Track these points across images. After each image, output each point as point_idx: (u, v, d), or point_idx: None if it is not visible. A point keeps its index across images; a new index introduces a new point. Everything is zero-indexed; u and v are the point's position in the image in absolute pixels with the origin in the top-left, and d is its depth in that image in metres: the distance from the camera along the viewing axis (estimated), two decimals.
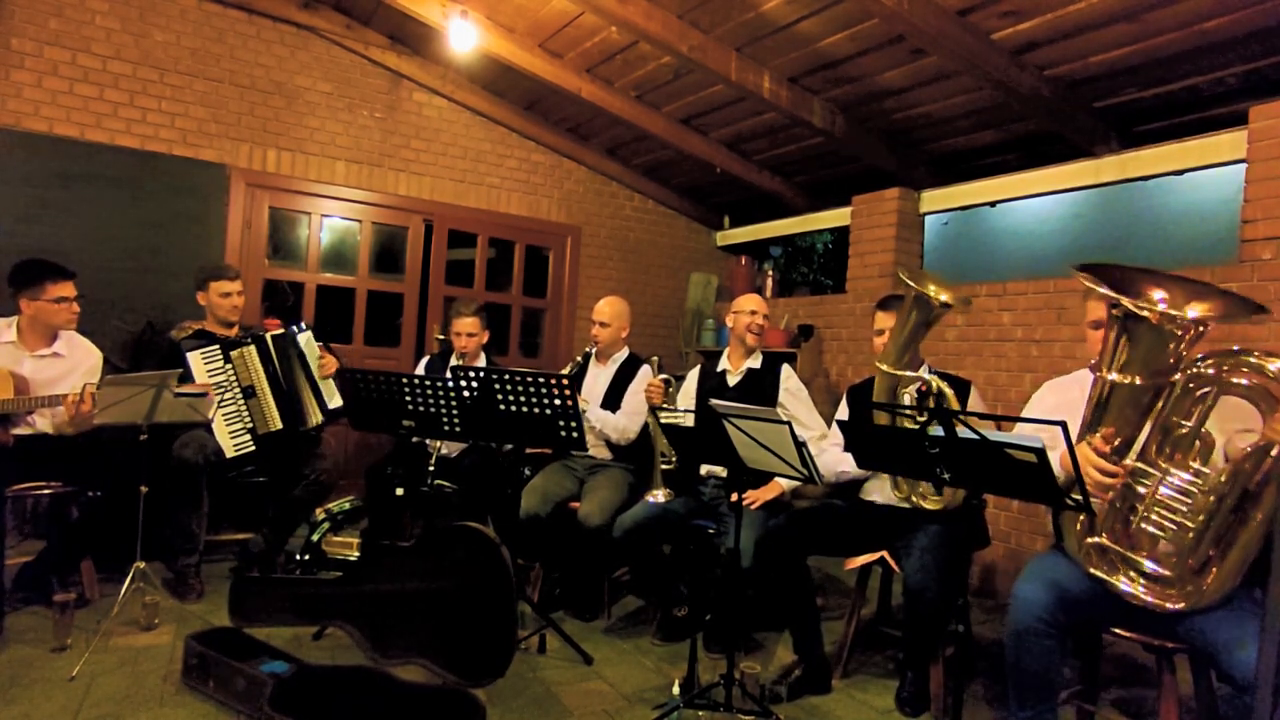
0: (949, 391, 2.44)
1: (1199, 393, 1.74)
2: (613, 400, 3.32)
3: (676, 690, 2.33)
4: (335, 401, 3.37)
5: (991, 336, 3.88)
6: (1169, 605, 1.78)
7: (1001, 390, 3.80)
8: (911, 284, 2.39)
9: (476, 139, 5.07)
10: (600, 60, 4.26)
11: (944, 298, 2.38)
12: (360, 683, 2.26)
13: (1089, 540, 1.89)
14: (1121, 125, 3.70)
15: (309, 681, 2.22)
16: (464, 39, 3.90)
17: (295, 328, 3.40)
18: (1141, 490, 1.79)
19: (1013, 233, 5.02)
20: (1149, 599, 1.80)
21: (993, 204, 4.33)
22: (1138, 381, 1.74)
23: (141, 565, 2.68)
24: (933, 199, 4.51)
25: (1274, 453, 1.66)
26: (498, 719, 2.27)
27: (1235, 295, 1.70)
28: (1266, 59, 3.00)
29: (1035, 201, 4.24)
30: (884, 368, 2.53)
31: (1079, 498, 1.62)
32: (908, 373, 2.51)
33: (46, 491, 2.86)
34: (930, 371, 2.69)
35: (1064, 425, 1.54)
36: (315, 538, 3.48)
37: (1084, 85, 3.46)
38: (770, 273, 5.62)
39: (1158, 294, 1.71)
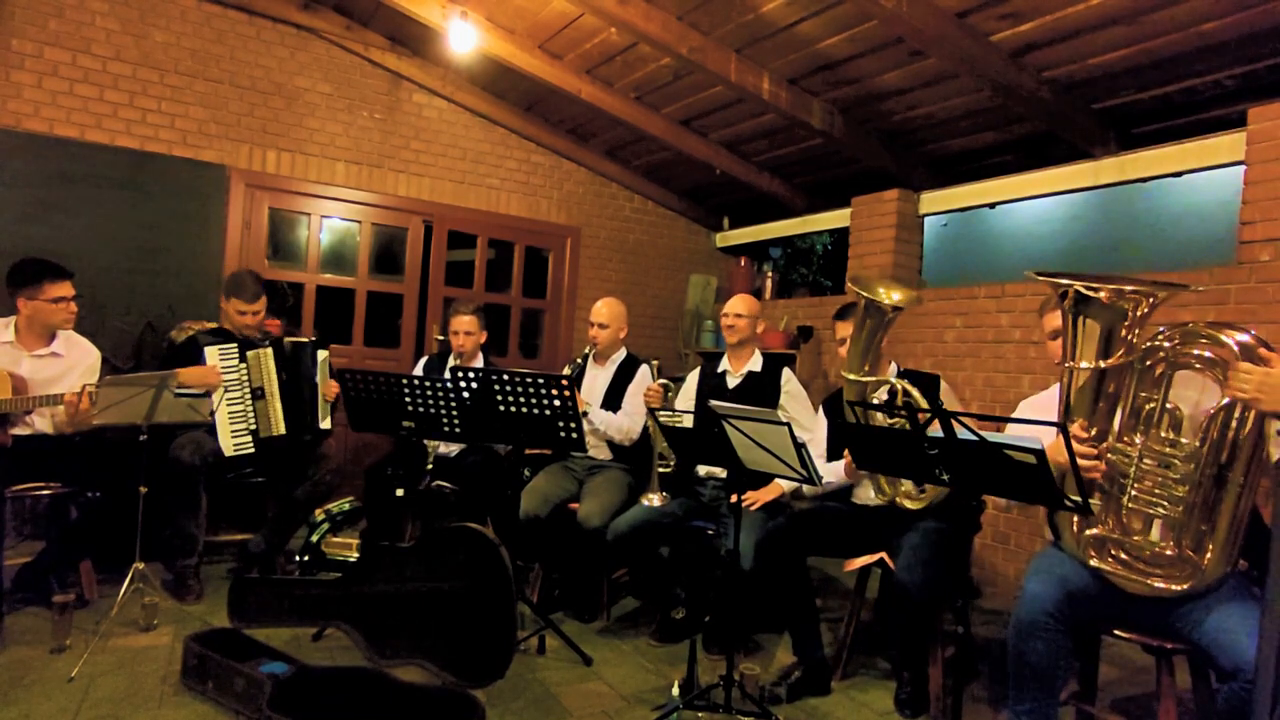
0: (915, 393, 2.46)
1: (1157, 371, 1.84)
2: (612, 401, 3.33)
3: (676, 691, 2.33)
4: (326, 423, 3.44)
5: (990, 338, 3.88)
6: (1174, 586, 1.81)
7: (1000, 391, 3.80)
8: (860, 291, 2.46)
9: (476, 140, 5.08)
10: (600, 61, 4.27)
11: (894, 297, 2.43)
12: (359, 684, 2.26)
13: (1086, 533, 1.92)
14: (1120, 127, 3.70)
15: (308, 682, 2.22)
16: (464, 40, 3.91)
17: (314, 341, 3.47)
18: (1126, 469, 1.85)
19: (1011, 234, 5.02)
20: (1155, 584, 1.83)
21: (992, 205, 4.33)
22: (1102, 365, 1.84)
23: (140, 566, 2.68)
24: (932, 200, 4.51)
25: (1238, 413, 1.74)
26: (497, 719, 2.28)
27: (1164, 281, 1.81)
28: (1265, 61, 3.01)
29: (1034, 203, 4.25)
30: (850, 376, 2.56)
31: (1078, 499, 1.63)
32: (871, 378, 2.54)
33: (46, 492, 2.86)
34: (898, 373, 2.71)
35: (1063, 426, 1.55)
36: (314, 538, 3.49)
37: (1083, 87, 3.47)
38: (770, 274, 5.63)
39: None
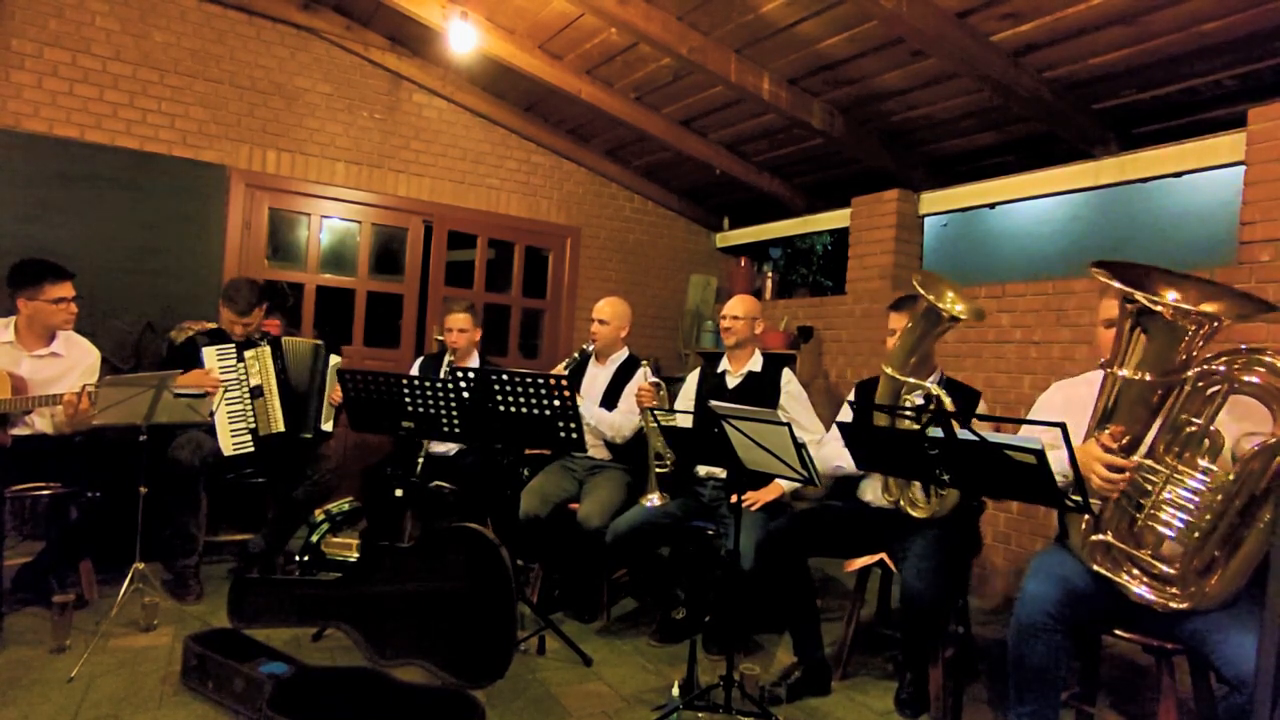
0: (949, 402, 2.42)
1: (1209, 391, 1.74)
2: (611, 401, 3.33)
3: (676, 691, 2.33)
4: (328, 426, 3.47)
5: (990, 338, 3.88)
6: (1172, 605, 1.78)
7: (1001, 392, 3.80)
8: (924, 293, 2.36)
9: (476, 140, 5.07)
10: (600, 62, 4.27)
11: (957, 309, 2.34)
12: (360, 684, 2.26)
13: (1093, 538, 1.89)
14: (1120, 127, 3.70)
15: (308, 683, 2.22)
16: (464, 40, 3.90)
17: (328, 345, 3.53)
18: (1148, 488, 1.79)
19: (1011, 234, 5.03)
20: (1152, 597, 1.80)
21: (992, 205, 4.33)
22: (1149, 378, 1.75)
23: (140, 566, 2.67)
24: (932, 200, 4.51)
25: None
26: None
27: (1247, 295, 1.71)
28: (1265, 61, 3.01)
29: (1034, 203, 4.25)
30: (889, 371, 2.52)
31: (1078, 499, 1.62)
32: (911, 379, 2.48)
33: (46, 492, 2.86)
34: (942, 380, 2.66)
35: (1063, 426, 1.54)
36: (314, 539, 3.49)
37: (1083, 87, 3.47)
38: (770, 274, 5.62)
39: (1171, 293, 1.72)
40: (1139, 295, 1.68)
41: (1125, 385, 1.79)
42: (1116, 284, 1.72)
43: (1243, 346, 1.74)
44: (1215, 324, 1.68)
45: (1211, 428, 1.74)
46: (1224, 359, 1.73)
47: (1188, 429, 1.76)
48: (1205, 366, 1.73)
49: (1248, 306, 1.70)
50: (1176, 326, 1.69)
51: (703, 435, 2.41)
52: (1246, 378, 1.71)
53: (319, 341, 3.52)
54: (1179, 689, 1.97)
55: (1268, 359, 1.68)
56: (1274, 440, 1.67)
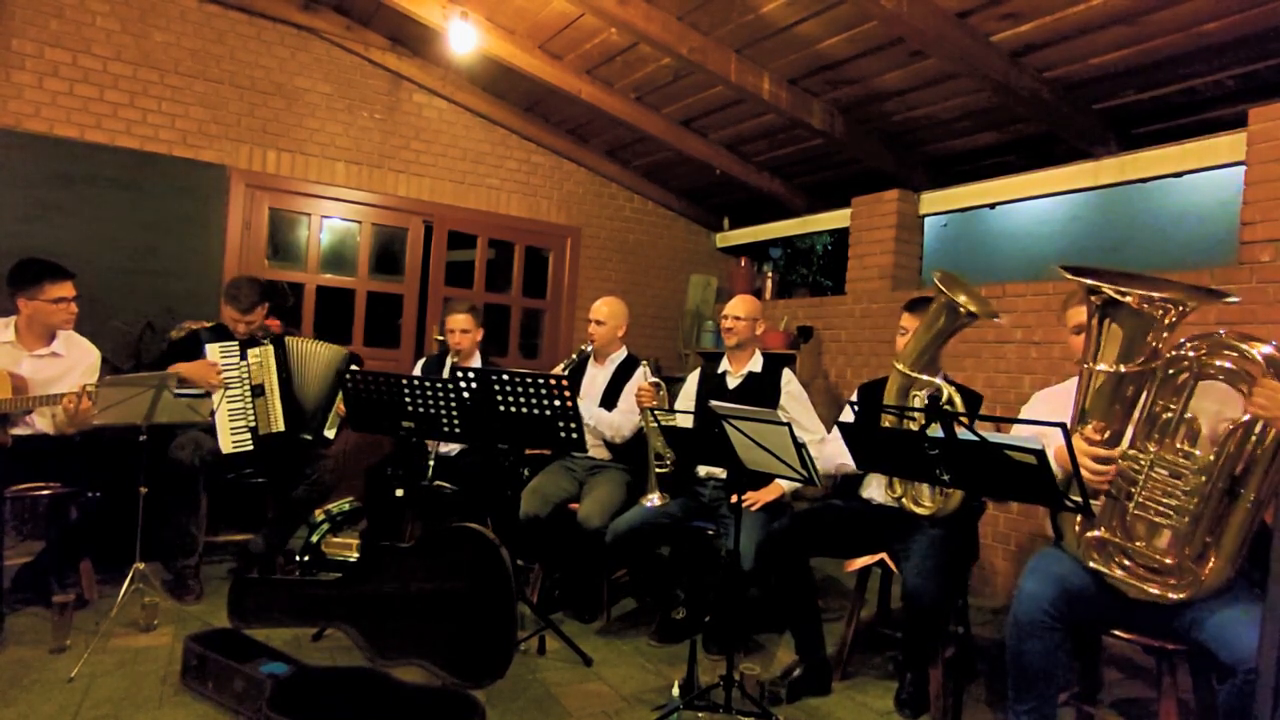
0: (959, 400, 2.43)
1: (1180, 379, 1.80)
2: (610, 401, 3.33)
3: (676, 691, 2.33)
4: (331, 433, 3.45)
5: (990, 338, 3.88)
6: (1171, 595, 1.80)
7: (1000, 392, 3.80)
8: (944, 290, 2.38)
9: (476, 140, 5.08)
10: (600, 62, 4.27)
11: (972, 308, 2.37)
12: (359, 684, 2.26)
13: (1088, 535, 1.91)
14: (1120, 127, 3.70)
15: (308, 683, 2.22)
16: (464, 40, 3.91)
17: (352, 358, 3.55)
18: (1135, 477, 1.83)
19: (1011, 235, 5.03)
20: (1151, 590, 1.82)
21: (992, 205, 4.33)
22: (1122, 369, 1.80)
23: (140, 566, 2.67)
24: (932, 201, 4.51)
25: (1258, 429, 1.72)
26: None
27: (1199, 287, 1.78)
28: (1265, 61, 3.01)
29: (1034, 203, 4.25)
30: (900, 367, 2.52)
31: (1078, 499, 1.63)
32: (923, 376, 2.49)
33: (46, 492, 2.86)
34: (946, 380, 2.67)
35: (1064, 426, 1.55)
36: (315, 539, 3.49)
37: (1083, 87, 3.47)
38: (770, 274, 5.62)
39: (1132, 285, 1.79)
40: (1105, 286, 1.75)
41: (1100, 378, 1.84)
42: (1086, 280, 1.79)
43: (1220, 331, 1.79)
44: (1180, 309, 1.73)
45: (1186, 414, 1.80)
46: (1190, 345, 1.79)
47: (1164, 415, 1.82)
48: (1174, 353, 1.80)
49: (1203, 296, 1.78)
50: (1142, 313, 1.75)
51: (703, 435, 2.41)
52: (1214, 362, 1.77)
53: (351, 352, 3.51)
54: (1179, 689, 1.98)
55: (1234, 343, 1.74)
56: (1246, 419, 1.73)
